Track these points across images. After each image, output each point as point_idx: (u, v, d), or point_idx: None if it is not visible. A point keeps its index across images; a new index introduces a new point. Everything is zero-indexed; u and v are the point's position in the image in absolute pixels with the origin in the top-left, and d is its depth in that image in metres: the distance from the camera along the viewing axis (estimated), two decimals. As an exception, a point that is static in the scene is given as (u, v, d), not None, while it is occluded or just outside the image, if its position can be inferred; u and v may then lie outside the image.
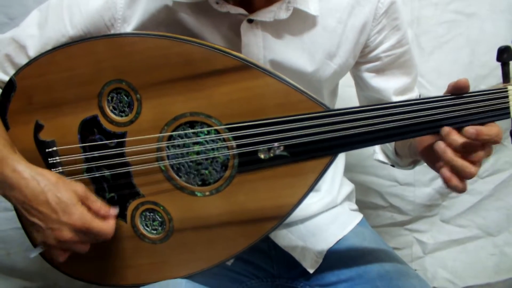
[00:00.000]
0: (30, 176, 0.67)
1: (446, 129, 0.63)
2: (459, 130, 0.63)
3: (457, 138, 0.62)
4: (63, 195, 0.67)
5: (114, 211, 0.72)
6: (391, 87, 0.83)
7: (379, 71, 0.83)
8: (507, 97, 0.63)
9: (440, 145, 0.63)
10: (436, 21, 1.21)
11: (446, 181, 0.63)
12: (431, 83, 1.22)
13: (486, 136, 0.61)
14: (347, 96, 0.95)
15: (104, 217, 0.71)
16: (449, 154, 0.62)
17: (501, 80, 0.65)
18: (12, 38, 0.78)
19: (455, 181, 0.62)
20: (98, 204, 0.71)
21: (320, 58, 0.77)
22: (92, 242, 0.71)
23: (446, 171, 0.63)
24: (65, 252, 0.71)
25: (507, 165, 1.27)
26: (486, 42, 1.19)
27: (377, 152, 0.91)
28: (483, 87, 1.18)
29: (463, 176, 0.62)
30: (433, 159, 0.67)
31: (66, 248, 0.70)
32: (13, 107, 0.77)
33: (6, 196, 0.69)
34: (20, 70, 0.76)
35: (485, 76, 1.20)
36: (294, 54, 0.76)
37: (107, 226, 0.70)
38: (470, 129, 0.61)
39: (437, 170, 0.66)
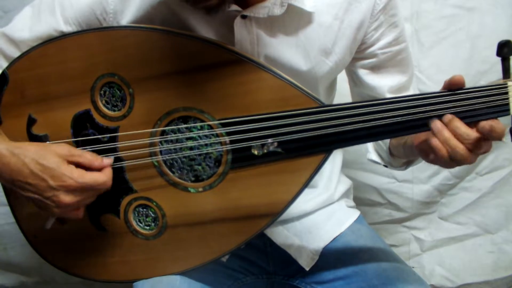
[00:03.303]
0: (9, 153, 0.65)
1: (449, 116, 0.63)
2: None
3: (460, 126, 0.61)
4: (45, 161, 0.65)
5: (108, 160, 0.70)
6: (386, 84, 0.81)
7: (374, 68, 0.81)
8: (507, 93, 0.61)
9: (437, 124, 0.62)
10: (436, 16, 1.19)
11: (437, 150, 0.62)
12: (431, 79, 1.21)
13: (496, 134, 0.59)
14: (347, 92, 0.93)
15: (99, 169, 0.69)
16: (446, 133, 0.61)
17: (501, 75, 0.64)
18: (3, 32, 0.78)
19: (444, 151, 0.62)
20: (87, 156, 0.69)
21: (315, 55, 0.76)
22: (95, 195, 0.70)
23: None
24: (78, 210, 0.70)
25: (506, 162, 1.26)
26: (486, 37, 1.18)
27: (370, 151, 0.90)
28: (483, 82, 1.17)
29: (456, 160, 0.62)
30: (428, 152, 0.66)
31: (74, 208, 0.69)
32: (6, 101, 0.76)
33: None
34: (12, 63, 0.76)
35: (485, 71, 1.19)
36: (289, 51, 0.75)
37: (102, 175, 0.68)
38: (486, 125, 0.60)
39: (432, 161, 0.65)
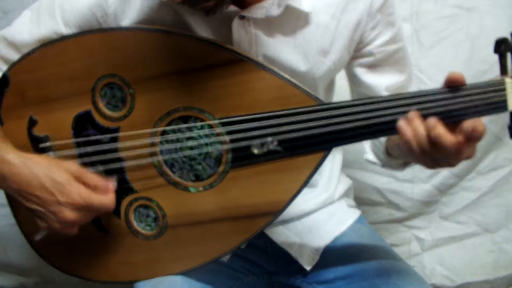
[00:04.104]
0: (21, 163, 0.66)
1: (412, 114, 0.62)
2: (454, 123, 0.61)
3: (418, 125, 0.61)
4: (56, 176, 0.66)
5: (112, 184, 0.71)
6: (383, 84, 0.81)
7: (371, 67, 0.81)
8: (504, 89, 0.61)
9: (402, 124, 0.62)
10: (436, 16, 1.19)
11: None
12: (431, 79, 1.21)
13: (478, 134, 0.58)
14: (346, 93, 0.93)
15: (103, 191, 0.70)
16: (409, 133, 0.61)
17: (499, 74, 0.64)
18: (3, 35, 0.78)
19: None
20: (94, 178, 0.70)
21: (314, 55, 0.76)
22: (94, 216, 0.71)
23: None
24: (75, 227, 0.70)
25: (507, 161, 1.26)
26: (486, 37, 1.18)
27: (367, 151, 0.90)
28: (482, 82, 1.17)
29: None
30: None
31: (72, 226, 0.70)
32: (6, 103, 0.77)
33: (1, 187, 0.69)
34: (13, 65, 0.76)
35: (485, 71, 1.19)
36: (287, 51, 0.75)
37: (107, 198, 0.70)
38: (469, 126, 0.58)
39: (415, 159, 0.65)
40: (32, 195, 0.66)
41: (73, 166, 0.69)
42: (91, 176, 0.70)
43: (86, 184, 0.69)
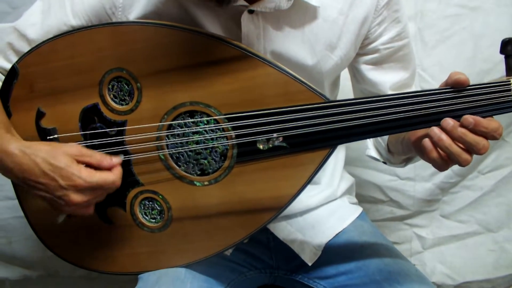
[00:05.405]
0: (21, 152, 0.66)
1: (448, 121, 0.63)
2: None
3: (456, 126, 0.62)
4: (56, 160, 0.66)
5: (117, 159, 0.71)
6: (388, 81, 0.82)
7: (377, 63, 0.82)
8: (510, 90, 0.62)
9: (435, 131, 0.63)
10: (440, 15, 1.20)
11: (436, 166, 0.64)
12: (434, 77, 1.21)
13: (483, 128, 0.60)
14: (349, 90, 0.94)
15: (109, 168, 0.69)
16: (446, 140, 0.62)
17: (504, 74, 0.64)
18: (14, 26, 0.79)
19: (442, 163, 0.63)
20: (97, 156, 0.69)
21: (321, 50, 0.77)
22: (105, 194, 0.70)
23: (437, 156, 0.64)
24: (88, 207, 0.70)
25: (509, 161, 1.26)
26: (490, 36, 1.18)
27: (369, 148, 0.91)
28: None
29: (457, 162, 0.62)
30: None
31: (84, 206, 0.70)
32: (15, 94, 0.77)
33: (9, 178, 0.69)
34: (22, 58, 0.77)
35: (488, 70, 1.19)
36: (295, 45, 0.75)
37: (111, 175, 0.69)
38: (469, 118, 0.61)
39: (427, 159, 0.66)
40: (37, 182, 0.67)
41: (73, 148, 0.69)
42: (93, 155, 0.69)
43: (89, 164, 0.68)
